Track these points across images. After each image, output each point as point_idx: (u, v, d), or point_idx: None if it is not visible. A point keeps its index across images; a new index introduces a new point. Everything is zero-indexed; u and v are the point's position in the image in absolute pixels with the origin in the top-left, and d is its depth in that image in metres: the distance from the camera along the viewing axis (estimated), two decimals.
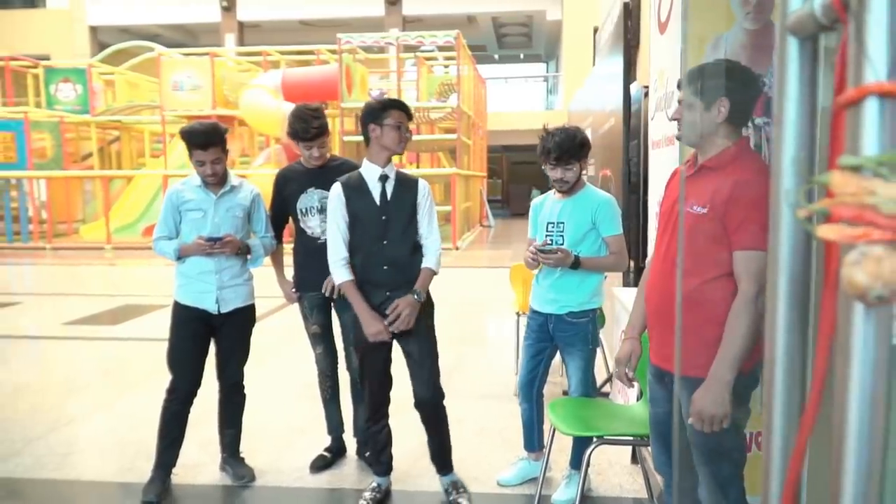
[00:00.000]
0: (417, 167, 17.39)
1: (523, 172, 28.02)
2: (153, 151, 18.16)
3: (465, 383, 4.92)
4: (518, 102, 25.98)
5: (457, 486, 3.13)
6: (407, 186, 2.93)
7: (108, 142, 18.29)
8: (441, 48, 16.93)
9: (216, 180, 3.13)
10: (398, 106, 2.83)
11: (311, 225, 3.27)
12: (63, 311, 7.82)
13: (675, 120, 2.12)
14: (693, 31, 2.58)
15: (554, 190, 3.14)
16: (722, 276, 1.93)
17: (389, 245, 2.87)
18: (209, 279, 3.13)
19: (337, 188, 2.90)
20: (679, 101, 2.10)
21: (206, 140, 3.02)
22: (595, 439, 2.71)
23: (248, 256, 3.26)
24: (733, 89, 1.96)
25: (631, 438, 2.79)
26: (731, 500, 2.10)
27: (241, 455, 3.40)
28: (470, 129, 16.46)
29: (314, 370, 3.50)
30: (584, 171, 3.09)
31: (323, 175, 3.26)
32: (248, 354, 3.33)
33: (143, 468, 3.32)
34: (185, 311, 3.15)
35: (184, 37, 25.34)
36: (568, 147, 2.94)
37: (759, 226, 1.85)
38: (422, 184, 2.97)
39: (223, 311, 3.16)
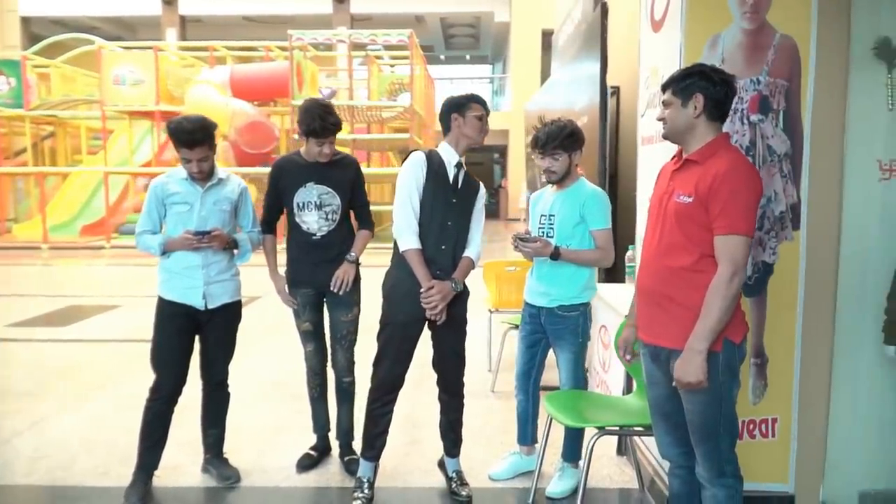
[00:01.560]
0: (368, 166, 17.25)
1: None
2: (90, 148, 17.46)
3: None
4: None
5: (461, 477, 3.14)
6: (472, 184, 3.09)
7: (41, 137, 17.51)
8: (389, 47, 16.85)
9: (203, 177, 3.03)
10: (480, 100, 2.99)
11: (308, 220, 3.18)
12: (5, 312, 7.45)
13: (660, 120, 2.26)
14: (691, 30, 2.65)
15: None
16: (709, 256, 2.11)
17: (453, 227, 2.97)
18: (195, 274, 3.02)
19: (420, 157, 2.96)
20: (662, 103, 2.24)
21: (192, 139, 2.90)
22: (596, 430, 2.73)
23: (236, 251, 3.17)
24: (707, 87, 2.13)
25: (629, 429, 2.83)
26: (728, 474, 2.20)
27: (225, 455, 3.31)
28: (421, 129, 16.43)
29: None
30: (575, 164, 3.12)
31: (322, 170, 3.19)
32: (233, 352, 3.23)
33: (118, 472, 3.20)
34: (171, 307, 3.04)
35: (121, 30, 24.50)
36: (555, 136, 3.02)
37: (737, 213, 2.05)
38: (482, 188, 3.15)
39: (210, 306, 3.05)
